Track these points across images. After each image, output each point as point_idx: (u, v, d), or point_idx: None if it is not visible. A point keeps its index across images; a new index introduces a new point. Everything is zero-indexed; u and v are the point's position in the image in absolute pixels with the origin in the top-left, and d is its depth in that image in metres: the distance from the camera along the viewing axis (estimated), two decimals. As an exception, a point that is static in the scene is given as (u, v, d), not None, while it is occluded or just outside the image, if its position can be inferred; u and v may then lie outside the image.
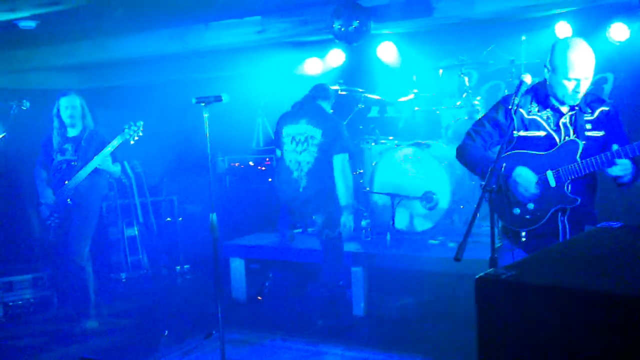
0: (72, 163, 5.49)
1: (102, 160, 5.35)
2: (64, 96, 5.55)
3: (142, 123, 5.46)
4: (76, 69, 8.27)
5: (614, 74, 6.23)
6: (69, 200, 5.44)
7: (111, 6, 5.68)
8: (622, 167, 3.35)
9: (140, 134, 5.44)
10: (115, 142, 5.37)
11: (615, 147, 3.38)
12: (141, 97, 7.88)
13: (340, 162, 5.29)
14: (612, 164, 3.36)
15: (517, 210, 3.63)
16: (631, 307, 1.85)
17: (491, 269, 2.29)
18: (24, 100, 5.45)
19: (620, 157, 3.33)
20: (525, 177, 3.55)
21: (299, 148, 5.32)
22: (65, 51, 7.46)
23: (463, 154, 3.81)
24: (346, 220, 5.38)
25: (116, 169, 5.53)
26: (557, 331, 1.99)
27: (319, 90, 5.52)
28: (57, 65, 7.93)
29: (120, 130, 5.41)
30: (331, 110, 5.60)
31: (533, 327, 2.04)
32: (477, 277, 2.21)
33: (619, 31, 6.15)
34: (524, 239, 3.63)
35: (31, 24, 6.01)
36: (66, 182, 5.43)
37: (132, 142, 5.44)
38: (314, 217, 5.37)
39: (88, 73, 8.42)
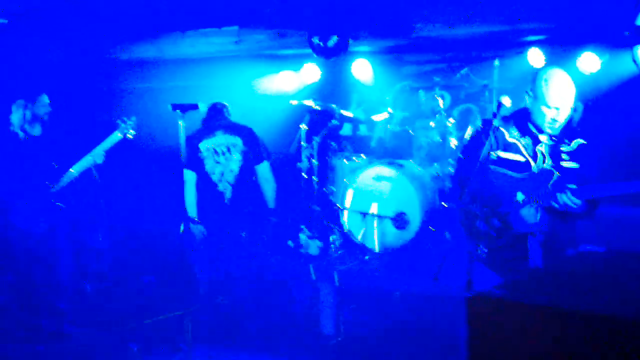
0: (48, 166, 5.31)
1: (99, 156, 5.24)
2: (38, 94, 5.35)
3: (135, 119, 5.29)
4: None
5: (584, 104, 6.35)
6: (59, 204, 5.32)
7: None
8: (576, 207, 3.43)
9: (133, 132, 5.28)
10: (114, 138, 5.23)
11: (572, 186, 3.44)
12: (112, 104, 7.74)
13: (264, 171, 5.43)
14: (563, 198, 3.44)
15: (482, 226, 3.66)
16: (618, 326, 1.88)
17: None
18: None
19: (578, 198, 3.39)
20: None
21: (222, 158, 5.28)
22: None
23: (458, 177, 3.94)
24: (275, 222, 5.62)
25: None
26: (547, 348, 2.00)
27: (218, 108, 5.51)
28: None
29: (114, 125, 5.27)
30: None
31: (523, 345, 2.06)
32: (469, 295, 2.21)
33: (589, 62, 6.26)
34: (484, 255, 3.64)
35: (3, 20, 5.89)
36: (51, 185, 5.29)
37: (129, 136, 5.28)
38: (242, 234, 5.34)
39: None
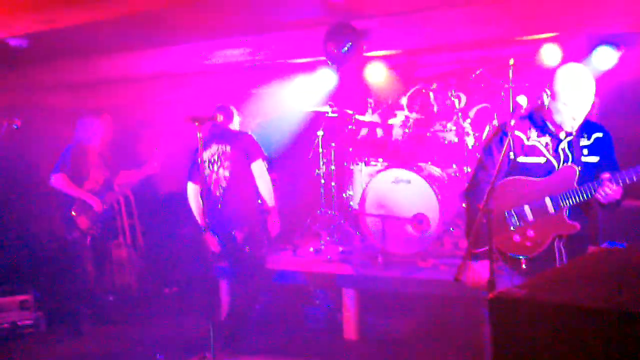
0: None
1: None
2: (101, 114, 6.27)
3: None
4: (69, 88, 8.21)
5: (600, 99, 6.32)
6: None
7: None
8: (614, 193, 3.42)
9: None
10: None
11: (606, 175, 3.43)
12: (134, 117, 7.84)
13: (258, 169, 5.38)
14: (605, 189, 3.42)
15: (517, 237, 3.64)
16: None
17: (506, 289, 2.30)
18: (15, 119, 5.44)
19: (617, 184, 3.39)
20: None
21: (215, 167, 5.37)
22: (57, 70, 7.44)
23: (471, 197, 3.76)
24: (275, 220, 5.45)
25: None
26: (571, 347, 2.00)
27: (221, 112, 5.50)
28: (48, 84, 7.88)
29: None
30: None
31: (547, 344, 2.05)
32: (491, 296, 2.21)
33: (604, 57, 6.24)
34: (524, 266, 3.63)
35: (23, 42, 6.00)
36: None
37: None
38: (233, 232, 5.35)
39: (81, 92, 8.38)
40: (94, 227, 6.04)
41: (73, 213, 5.92)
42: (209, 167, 5.37)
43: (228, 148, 5.37)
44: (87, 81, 7.73)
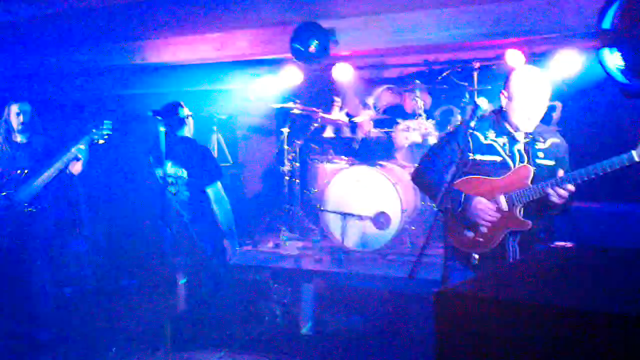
0: (26, 171, 5.38)
1: (67, 163, 5.25)
2: (16, 102, 5.43)
3: (110, 122, 5.31)
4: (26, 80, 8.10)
5: (562, 103, 6.44)
6: (30, 209, 5.36)
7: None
8: (565, 194, 3.48)
9: (110, 132, 5.31)
10: (82, 144, 5.24)
11: (561, 172, 3.50)
12: (92, 110, 7.75)
13: (214, 193, 5.25)
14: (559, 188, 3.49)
15: (469, 233, 3.70)
16: (584, 320, 1.91)
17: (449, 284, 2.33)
18: None
19: (569, 183, 3.46)
20: (485, 204, 3.63)
21: (173, 189, 5.20)
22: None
23: (420, 177, 3.87)
24: (231, 244, 5.38)
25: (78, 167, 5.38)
26: (514, 344, 2.02)
27: (171, 118, 5.10)
28: (8, 75, 7.75)
29: (86, 130, 5.30)
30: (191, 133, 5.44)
31: (490, 340, 2.08)
32: (435, 291, 2.24)
33: (566, 62, 6.35)
34: (475, 262, 3.70)
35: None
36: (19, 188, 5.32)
37: (101, 141, 5.32)
38: (202, 244, 5.31)
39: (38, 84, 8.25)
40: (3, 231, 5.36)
41: None
42: (167, 186, 5.06)
43: (185, 174, 5.21)
44: (45, 73, 7.60)
